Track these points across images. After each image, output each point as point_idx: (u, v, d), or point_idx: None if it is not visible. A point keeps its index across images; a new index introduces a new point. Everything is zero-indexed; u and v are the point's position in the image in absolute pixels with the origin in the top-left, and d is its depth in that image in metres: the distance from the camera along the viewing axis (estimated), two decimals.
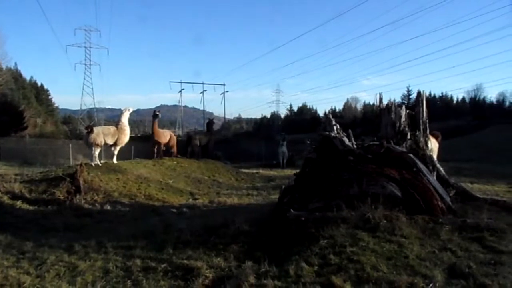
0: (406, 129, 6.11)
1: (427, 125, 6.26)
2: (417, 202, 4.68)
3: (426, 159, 5.77)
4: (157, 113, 14.43)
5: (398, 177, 4.91)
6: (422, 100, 6.28)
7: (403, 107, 6.32)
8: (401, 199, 4.70)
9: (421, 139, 6.05)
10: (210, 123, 17.39)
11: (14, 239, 5.35)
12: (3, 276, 3.90)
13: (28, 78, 53.07)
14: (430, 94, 52.96)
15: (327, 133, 5.88)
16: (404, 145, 5.90)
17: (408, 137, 6.05)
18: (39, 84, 56.09)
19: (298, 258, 3.80)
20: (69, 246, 4.88)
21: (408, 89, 52.31)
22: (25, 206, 7.80)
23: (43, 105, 53.57)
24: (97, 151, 10.67)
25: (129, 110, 11.66)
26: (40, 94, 54.73)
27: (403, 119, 6.13)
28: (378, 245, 3.89)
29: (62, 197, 8.27)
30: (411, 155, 5.34)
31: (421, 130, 6.13)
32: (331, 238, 4.07)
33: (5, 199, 8.04)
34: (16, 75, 47.62)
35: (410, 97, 50.15)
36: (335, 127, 6.08)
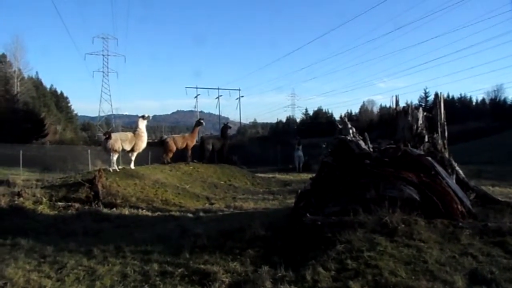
0: (424, 131, 6.01)
1: (445, 127, 6.14)
2: (436, 205, 4.58)
3: (445, 162, 5.65)
4: (201, 121, 16.34)
5: (416, 180, 4.81)
6: (440, 102, 6.19)
7: (420, 109, 6.23)
8: (419, 202, 4.61)
9: (439, 141, 5.94)
10: (225, 127, 17.40)
11: (36, 243, 5.47)
12: (25, 280, 4.00)
13: (48, 87, 54.70)
14: (448, 96, 52.07)
15: (343, 136, 5.84)
16: (421, 148, 5.80)
17: (426, 139, 5.95)
18: (59, 92, 57.73)
19: (314, 263, 3.76)
20: (88, 251, 4.96)
21: (425, 91, 51.69)
22: (46, 211, 8.01)
23: (63, 112, 55.01)
24: (115, 157, 10.85)
25: (144, 117, 11.72)
26: (60, 101, 56.22)
27: (420, 121, 6.04)
28: (396, 250, 3.82)
29: (81, 202, 8.44)
30: (429, 158, 5.24)
31: (439, 133, 6.02)
32: (348, 243, 4.02)
33: (27, 204, 8.27)
34: (37, 84, 49.08)
35: (428, 99, 49.54)
36: (351, 131, 6.04)
